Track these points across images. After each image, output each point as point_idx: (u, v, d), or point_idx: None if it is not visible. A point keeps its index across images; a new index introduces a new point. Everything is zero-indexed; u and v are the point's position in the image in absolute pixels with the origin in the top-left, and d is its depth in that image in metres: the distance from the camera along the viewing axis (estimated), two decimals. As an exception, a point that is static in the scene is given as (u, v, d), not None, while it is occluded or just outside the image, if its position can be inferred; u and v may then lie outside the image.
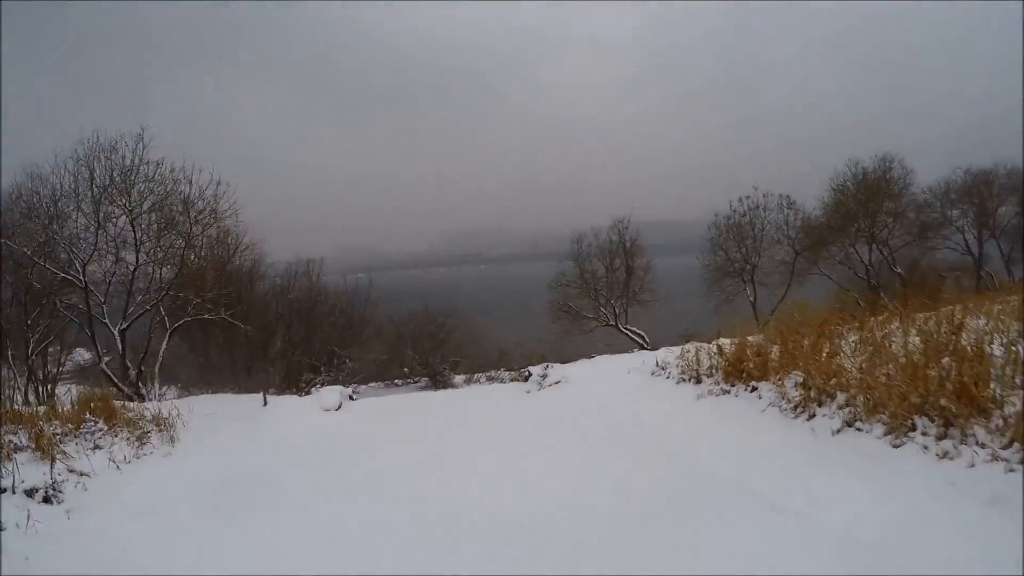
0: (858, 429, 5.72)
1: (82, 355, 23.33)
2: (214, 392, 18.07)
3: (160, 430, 8.43)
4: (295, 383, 19.14)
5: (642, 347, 15.15)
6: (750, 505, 4.95)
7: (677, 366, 10.24)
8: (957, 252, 23.62)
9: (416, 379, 23.41)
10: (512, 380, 16.30)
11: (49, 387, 18.55)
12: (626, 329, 16.14)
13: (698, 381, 9.21)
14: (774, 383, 7.48)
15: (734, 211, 19.47)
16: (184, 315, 14.64)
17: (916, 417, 5.23)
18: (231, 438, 8.94)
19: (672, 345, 26.42)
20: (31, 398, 16.39)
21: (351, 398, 13.03)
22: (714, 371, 9.09)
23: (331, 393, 12.41)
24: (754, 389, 7.80)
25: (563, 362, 26.75)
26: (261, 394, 11.79)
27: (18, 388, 16.71)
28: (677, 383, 9.71)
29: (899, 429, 5.26)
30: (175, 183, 13.73)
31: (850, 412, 5.92)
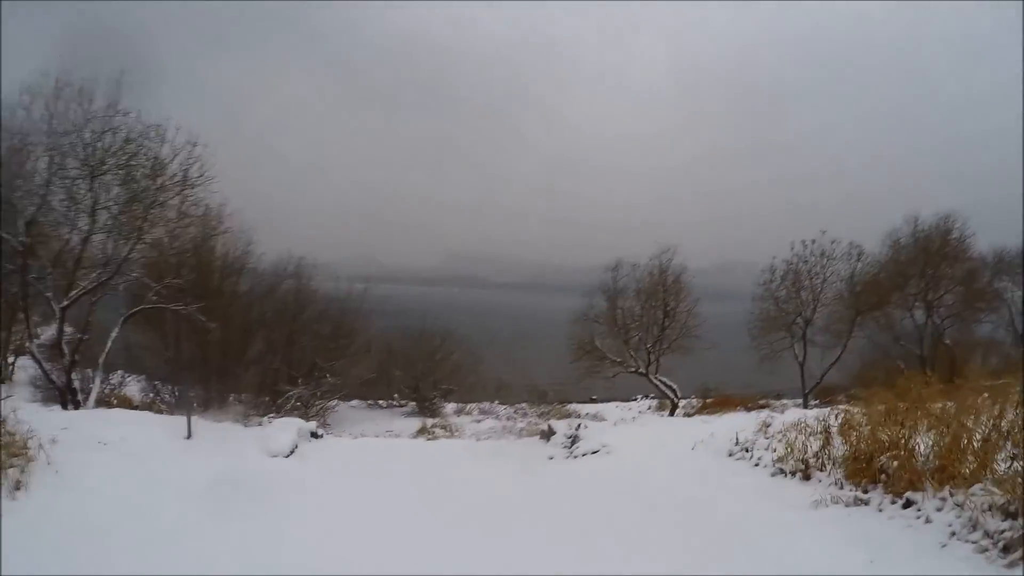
0: None
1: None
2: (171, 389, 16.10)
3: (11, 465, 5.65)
4: (269, 392, 17.09)
5: (672, 402, 12.85)
6: None
7: (770, 449, 7.81)
8: (993, 326, 21.37)
9: (402, 402, 21.28)
10: (526, 434, 14.18)
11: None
12: (657, 379, 13.55)
13: (806, 476, 6.85)
14: (944, 498, 5.10)
15: (795, 255, 16.47)
16: (146, 301, 12.57)
17: None
18: (94, 501, 5.79)
19: (685, 396, 24.34)
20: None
21: (316, 435, 10.85)
22: (828, 463, 6.77)
23: (284, 431, 9.99)
24: (908, 504, 5.42)
25: (565, 401, 24.77)
26: (186, 419, 9.26)
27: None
28: (772, 475, 7.31)
29: None
30: (145, 139, 11.60)
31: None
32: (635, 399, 25.23)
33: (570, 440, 10.84)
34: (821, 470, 6.74)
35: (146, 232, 11.89)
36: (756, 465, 7.77)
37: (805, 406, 14.08)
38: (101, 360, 12.26)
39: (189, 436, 8.94)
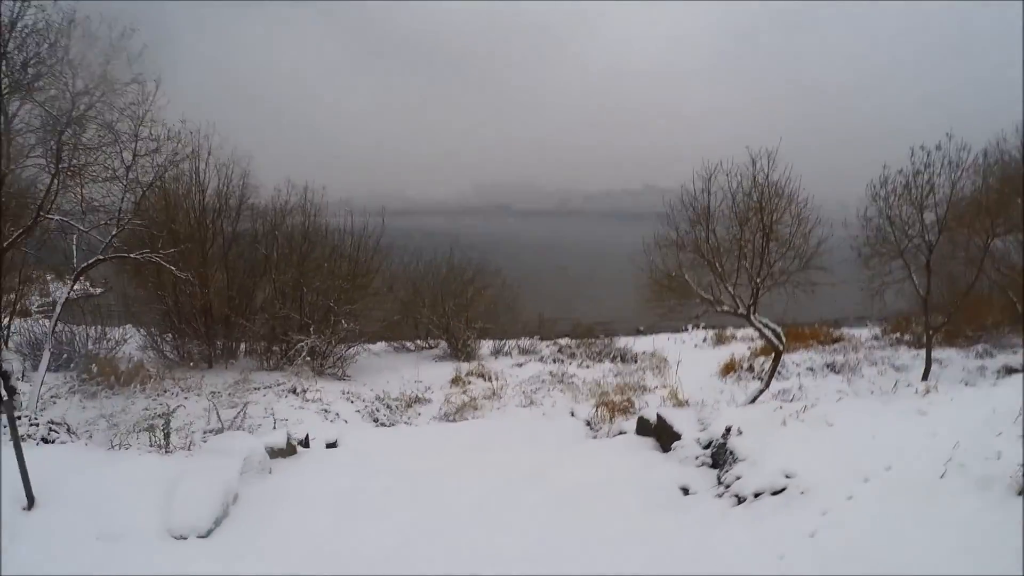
0: None
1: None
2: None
3: None
4: (281, 343, 14.90)
5: (777, 349, 9.95)
6: None
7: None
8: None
9: (432, 343, 18.95)
10: (591, 399, 11.83)
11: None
12: (759, 321, 10.25)
13: None
14: None
15: (916, 163, 11.22)
16: (102, 252, 10.19)
17: None
18: None
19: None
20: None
21: (301, 444, 8.60)
22: None
23: (211, 477, 6.23)
24: None
25: (611, 334, 22.27)
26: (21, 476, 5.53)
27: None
28: None
29: None
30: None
31: None
32: (686, 329, 22.65)
33: (710, 453, 6.69)
34: None
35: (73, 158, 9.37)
36: None
37: (928, 350, 11.15)
38: (51, 328, 9.96)
39: (30, 505, 5.49)
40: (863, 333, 20.10)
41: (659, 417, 8.21)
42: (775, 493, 5.77)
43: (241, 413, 9.74)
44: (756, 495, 5.88)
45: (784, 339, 10.08)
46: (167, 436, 7.68)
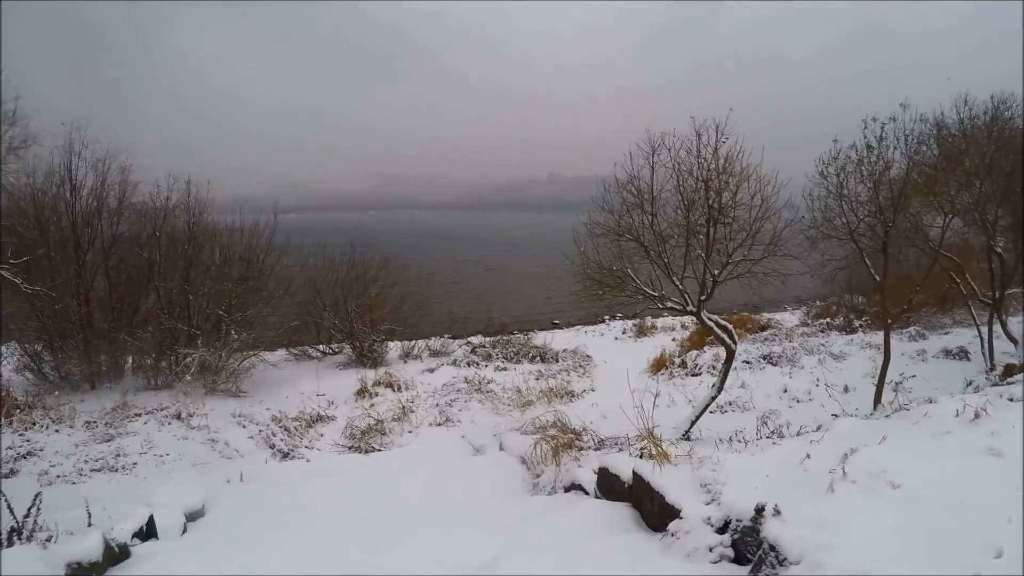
0: None
1: None
2: None
3: None
4: (169, 358, 13.45)
5: (729, 348, 9.16)
6: None
7: None
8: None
9: (336, 348, 17.72)
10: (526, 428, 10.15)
11: None
12: (710, 319, 9.28)
13: None
14: None
15: (869, 136, 10.35)
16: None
17: None
18: None
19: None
20: None
21: (133, 538, 5.67)
22: None
23: None
24: None
25: (527, 331, 21.48)
26: None
27: None
28: None
29: None
30: None
31: None
32: (603, 321, 22.17)
33: (729, 540, 4.50)
34: None
35: None
36: None
37: (887, 340, 10.66)
38: None
39: None
40: (787, 318, 20.21)
41: (637, 476, 5.65)
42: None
43: (36, 506, 5.44)
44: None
45: (735, 337, 9.38)
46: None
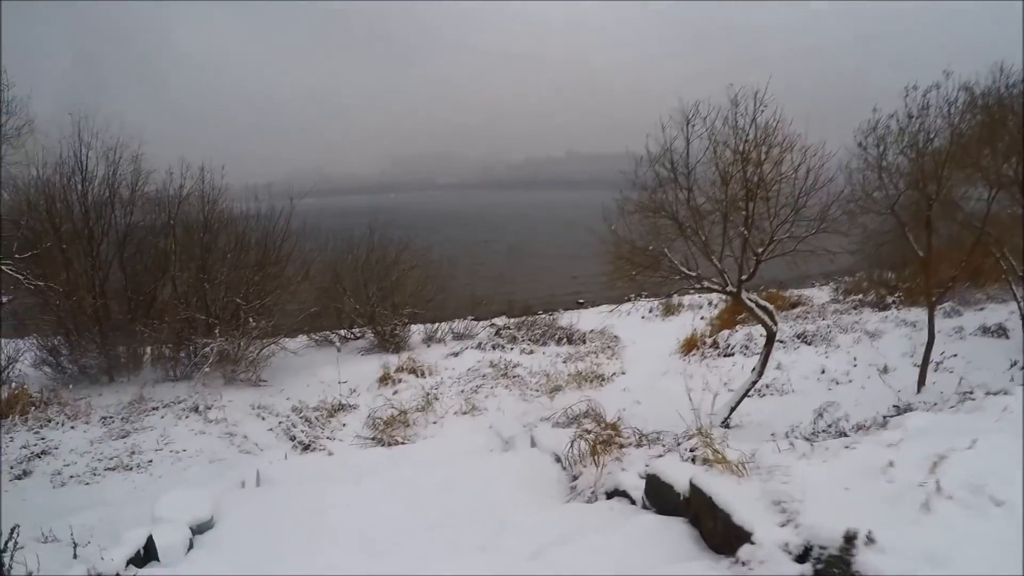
0: None
1: None
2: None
3: None
4: (188, 348, 13.19)
5: (770, 331, 8.63)
6: None
7: None
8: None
9: (358, 333, 17.35)
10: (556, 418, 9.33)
11: None
12: (750, 299, 8.76)
13: None
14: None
15: (910, 107, 9.51)
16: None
17: None
18: None
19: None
20: None
21: (128, 564, 4.76)
22: None
23: None
24: None
25: (550, 311, 20.94)
26: None
27: None
28: None
29: None
30: None
31: None
32: (629, 299, 21.57)
33: (811, 571, 3.51)
34: None
35: None
36: None
37: (931, 320, 9.94)
38: None
39: None
40: (816, 295, 19.56)
41: (696, 489, 4.73)
42: None
43: (13, 540, 4.45)
44: None
45: (776, 318, 8.80)
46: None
